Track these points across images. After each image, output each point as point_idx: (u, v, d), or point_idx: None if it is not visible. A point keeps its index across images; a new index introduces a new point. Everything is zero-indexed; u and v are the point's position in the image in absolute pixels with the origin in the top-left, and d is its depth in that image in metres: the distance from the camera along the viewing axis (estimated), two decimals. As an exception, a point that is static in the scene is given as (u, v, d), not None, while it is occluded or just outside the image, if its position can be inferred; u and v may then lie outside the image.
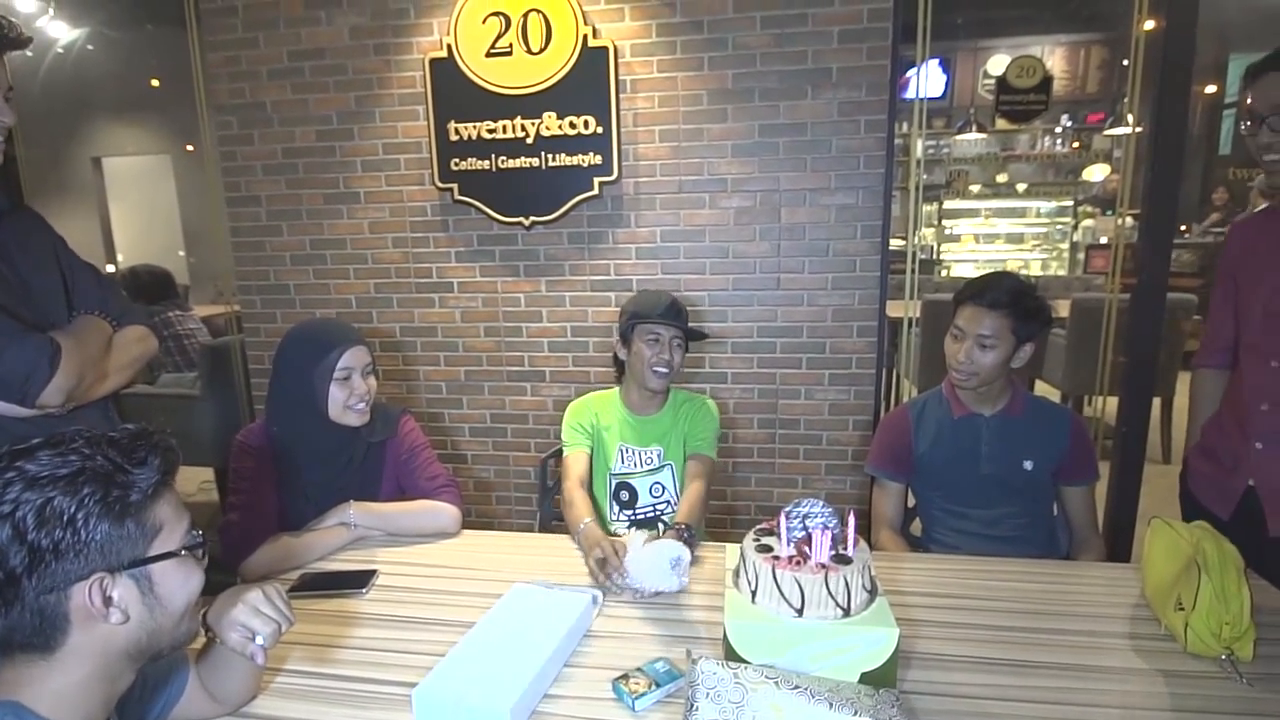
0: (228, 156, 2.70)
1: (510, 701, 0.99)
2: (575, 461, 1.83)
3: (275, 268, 2.75)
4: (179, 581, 0.80)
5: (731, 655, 1.07)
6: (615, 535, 1.52)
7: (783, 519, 1.14)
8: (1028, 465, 1.70)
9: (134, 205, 8.35)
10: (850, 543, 1.12)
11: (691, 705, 0.95)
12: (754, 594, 1.11)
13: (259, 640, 0.92)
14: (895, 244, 2.86)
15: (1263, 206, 1.65)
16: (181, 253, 7.95)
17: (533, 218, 2.55)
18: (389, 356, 2.74)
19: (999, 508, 1.73)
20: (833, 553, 1.10)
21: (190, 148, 7.20)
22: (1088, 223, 7.11)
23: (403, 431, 1.72)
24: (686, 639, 1.22)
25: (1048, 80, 4.80)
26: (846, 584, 1.06)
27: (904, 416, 1.83)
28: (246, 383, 2.99)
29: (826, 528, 1.13)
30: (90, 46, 6.75)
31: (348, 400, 1.55)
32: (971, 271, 6.53)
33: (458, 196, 2.55)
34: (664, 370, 1.78)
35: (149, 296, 3.58)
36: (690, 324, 1.84)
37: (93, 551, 0.73)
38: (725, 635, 1.08)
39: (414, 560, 1.53)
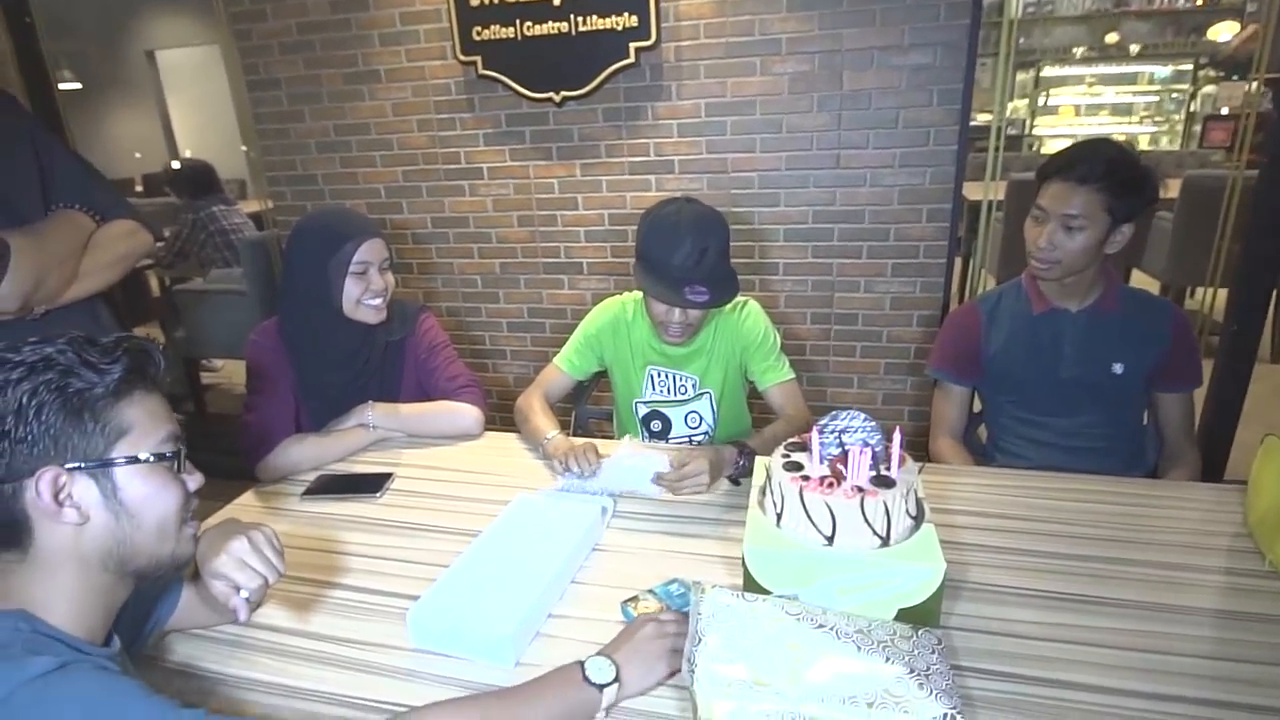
0: (242, 35, 2.53)
1: (511, 625, 0.92)
2: (554, 378, 1.65)
3: (301, 156, 2.63)
4: (149, 491, 0.74)
5: (751, 584, 0.96)
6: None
7: (815, 434, 0.99)
8: (1118, 368, 1.50)
9: (192, 99, 8.30)
10: (894, 462, 0.96)
11: (697, 638, 0.85)
12: (779, 518, 0.98)
13: (243, 594, 0.87)
14: (982, 118, 2.50)
15: None
16: (244, 147, 7.96)
17: (564, 92, 2.32)
18: (421, 249, 2.64)
19: (1080, 416, 1.55)
20: (873, 473, 0.96)
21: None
22: (1209, 89, 6.23)
23: (421, 329, 1.64)
24: (703, 559, 1.12)
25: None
26: (887, 510, 0.92)
27: (973, 313, 1.62)
28: (286, 277, 2.96)
29: (867, 444, 0.97)
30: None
31: (363, 296, 1.46)
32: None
33: (482, 71, 2.34)
34: (676, 332, 1.47)
35: (192, 191, 3.57)
36: (717, 275, 1.38)
37: (45, 443, 0.68)
38: (744, 561, 0.96)
39: (433, 463, 1.48)
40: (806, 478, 0.96)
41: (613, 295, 1.69)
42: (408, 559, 1.16)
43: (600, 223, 2.48)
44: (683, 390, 1.63)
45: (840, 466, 0.97)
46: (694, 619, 0.87)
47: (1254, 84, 2.29)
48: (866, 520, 0.92)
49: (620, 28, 2.19)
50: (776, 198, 2.31)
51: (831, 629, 0.84)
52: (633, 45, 2.20)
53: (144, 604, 0.92)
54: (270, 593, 1.06)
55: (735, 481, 1.31)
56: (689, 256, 1.35)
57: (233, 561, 0.86)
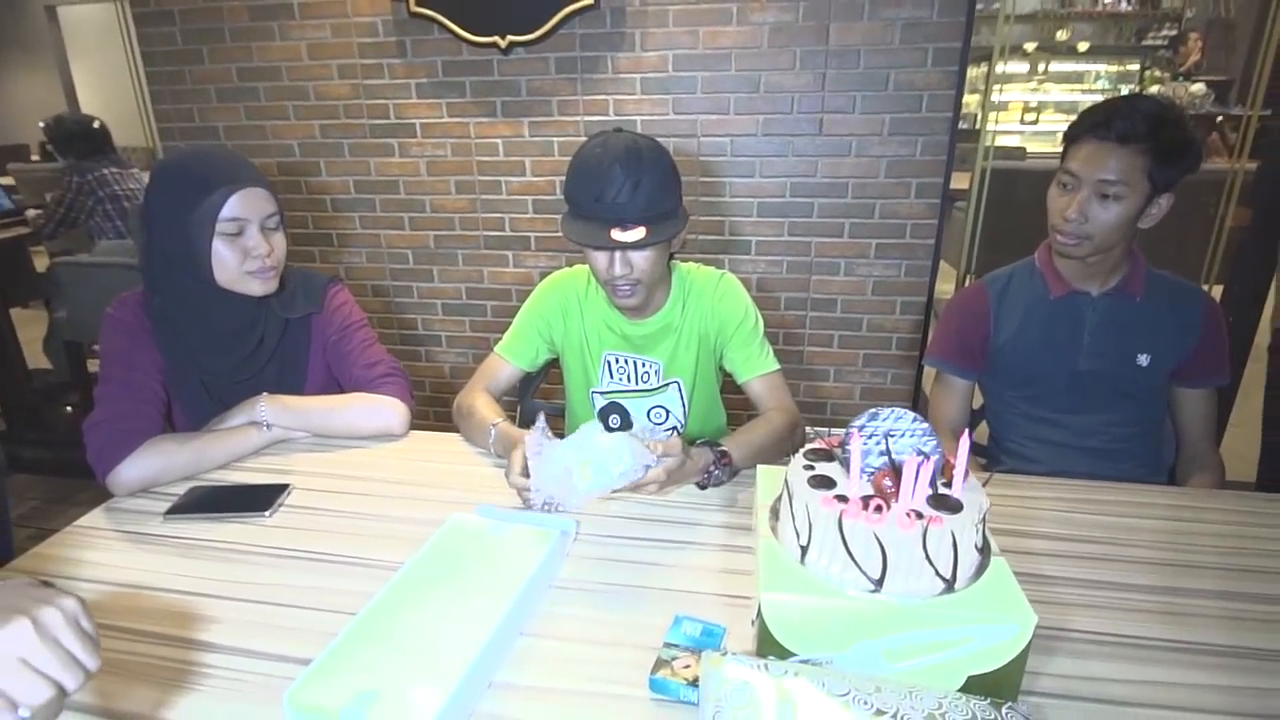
0: (126, -44, 2.16)
1: (435, 708, 0.64)
2: (498, 368, 1.39)
3: (199, 105, 2.27)
4: None
5: (767, 644, 0.70)
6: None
7: (855, 436, 0.74)
8: (1143, 360, 1.34)
9: (99, 63, 7.58)
10: (960, 478, 0.72)
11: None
12: (804, 551, 0.73)
13: (22, 712, 0.53)
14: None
15: None
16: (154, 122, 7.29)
17: (510, 37, 2.04)
18: (343, 218, 2.32)
19: (1098, 413, 1.38)
20: (930, 493, 0.71)
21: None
22: (1155, 89, 6.33)
23: (331, 305, 1.36)
24: (696, 598, 0.85)
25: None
26: (954, 542, 0.68)
27: (981, 295, 1.43)
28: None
29: (922, 453, 0.73)
30: None
31: (243, 264, 1.15)
32: (1016, 144, 5.87)
33: (415, 8, 2.05)
34: (625, 289, 1.22)
35: (78, 150, 3.10)
36: (655, 213, 1.14)
37: None
38: (759, 614, 0.70)
39: (343, 471, 1.18)
40: (844, 498, 0.71)
41: (552, 275, 1.42)
42: (304, 604, 0.87)
43: (550, 190, 2.22)
44: (645, 378, 1.38)
45: (887, 483, 0.72)
46: (702, 701, 0.61)
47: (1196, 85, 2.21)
48: (929, 558, 0.67)
49: (577, -37, 1.92)
50: (751, 166, 2.09)
51: (894, 715, 0.60)
52: (592, -16, 1.96)
53: None
54: (105, 653, 0.76)
55: (701, 486, 1.11)
56: (619, 192, 1.12)
57: (7, 663, 0.53)
